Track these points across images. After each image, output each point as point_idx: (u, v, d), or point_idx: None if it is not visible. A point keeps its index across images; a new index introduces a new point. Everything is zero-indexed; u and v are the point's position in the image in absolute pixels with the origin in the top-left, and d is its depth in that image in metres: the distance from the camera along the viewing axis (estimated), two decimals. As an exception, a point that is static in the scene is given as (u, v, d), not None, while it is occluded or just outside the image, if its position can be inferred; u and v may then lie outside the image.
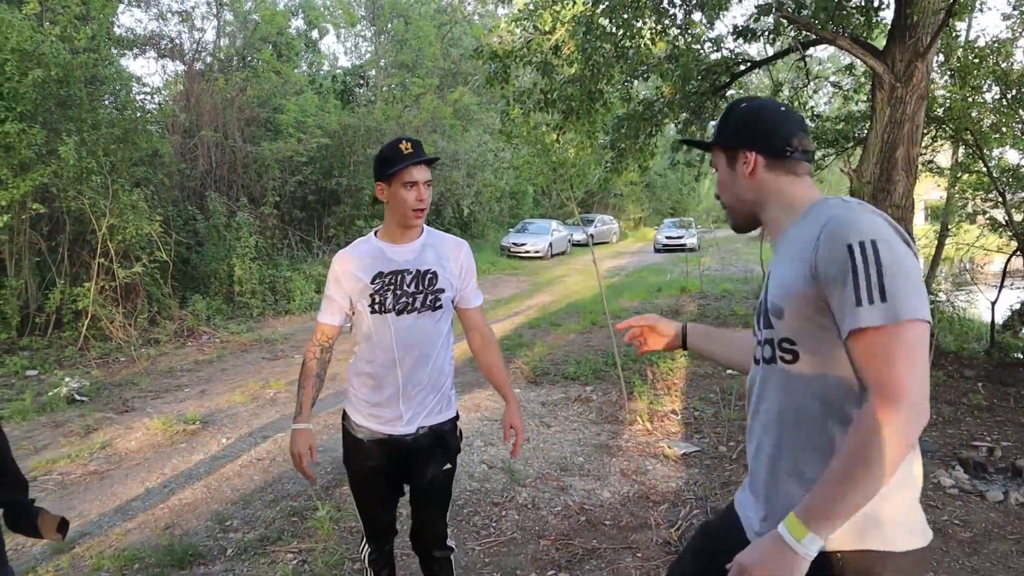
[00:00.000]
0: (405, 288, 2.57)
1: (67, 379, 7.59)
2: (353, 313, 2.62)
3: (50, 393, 7.19)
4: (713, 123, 10.88)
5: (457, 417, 2.82)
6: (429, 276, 2.60)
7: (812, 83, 12.06)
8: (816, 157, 11.70)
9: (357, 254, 2.62)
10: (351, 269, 2.59)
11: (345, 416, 2.74)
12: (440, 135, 21.32)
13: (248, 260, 12.66)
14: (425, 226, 2.69)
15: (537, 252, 23.56)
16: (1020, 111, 9.35)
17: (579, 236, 27.60)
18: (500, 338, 10.21)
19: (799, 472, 1.54)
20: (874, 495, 1.35)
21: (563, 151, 8.93)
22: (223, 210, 13.27)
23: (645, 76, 9.87)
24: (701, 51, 9.63)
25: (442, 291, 2.62)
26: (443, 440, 2.71)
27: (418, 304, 2.58)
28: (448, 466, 2.73)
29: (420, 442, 2.65)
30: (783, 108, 1.70)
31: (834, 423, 1.49)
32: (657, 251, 26.99)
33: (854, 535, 1.46)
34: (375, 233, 2.68)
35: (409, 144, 2.50)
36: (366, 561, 2.84)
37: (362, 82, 23.73)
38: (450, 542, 2.86)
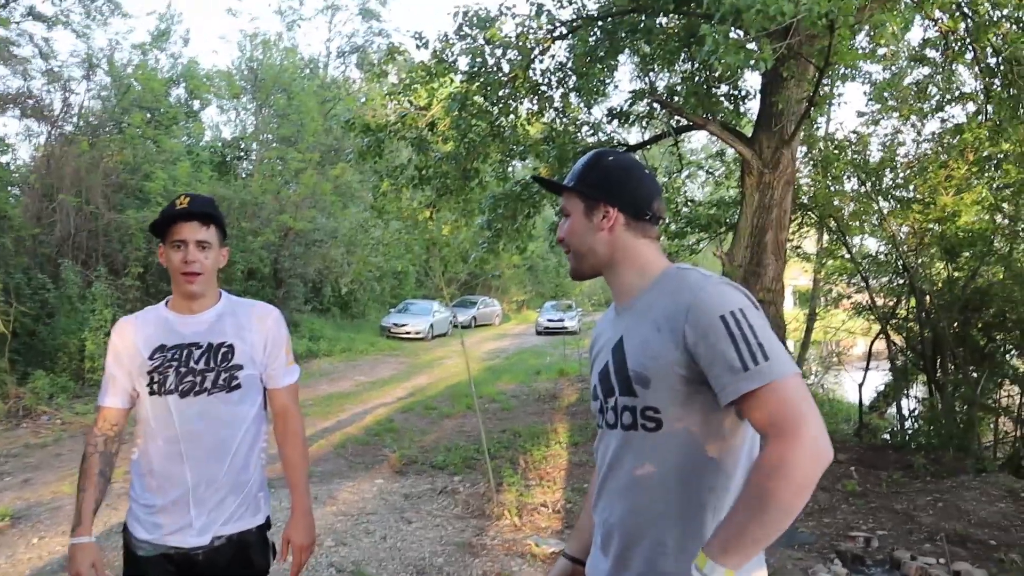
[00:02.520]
0: (192, 365, 2.13)
1: None
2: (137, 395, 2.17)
3: None
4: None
5: (268, 526, 2.32)
6: (224, 350, 2.17)
7: (686, 169, 12.32)
8: (690, 242, 11.89)
9: (139, 324, 2.19)
10: (132, 340, 2.15)
11: (125, 528, 2.22)
12: (320, 211, 20.82)
13: (103, 334, 11.65)
14: (224, 293, 2.28)
15: (418, 333, 23.06)
16: (877, 201, 9.72)
17: (464, 317, 27.30)
18: (372, 422, 9.71)
19: (656, 537, 1.53)
20: (776, 531, 1.34)
21: (436, 229, 8.65)
22: (78, 279, 12.32)
23: (523, 156, 9.79)
24: (578, 134, 9.65)
25: (239, 368, 2.18)
26: (247, 555, 2.22)
27: (208, 384, 2.14)
28: None
29: (216, 557, 2.15)
30: (647, 170, 1.71)
31: (693, 490, 1.50)
32: (539, 333, 26.95)
33: None
34: (166, 302, 2.25)
35: (186, 199, 2.10)
36: None
37: (242, 154, 23.09)
38: None
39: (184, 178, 15.92)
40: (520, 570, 4.70)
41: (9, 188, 13.41)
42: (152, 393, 2.12)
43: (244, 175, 22.22)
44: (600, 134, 9.94)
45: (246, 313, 2.26)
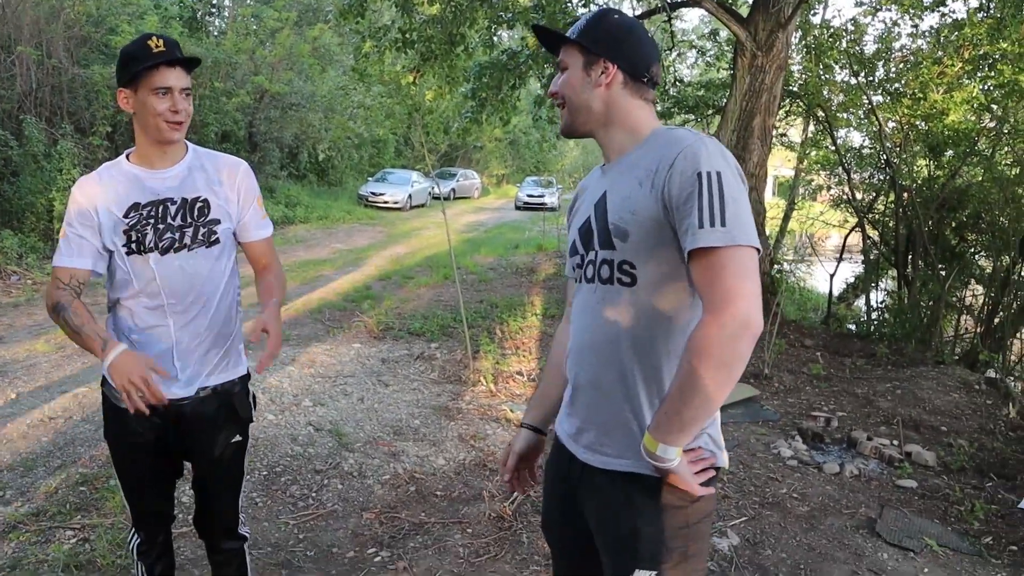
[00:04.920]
0: (169, 221, 2.08)
1: None
2: (109, 253, 2.11)
3: None
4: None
5: (248, 377, 2.36)
6: (199, 205, 2.12)
7: (676, 48, 12.03)
8: (677, 123, 11.76)
9: (104, 181, 2.10)
10: (101, 199, 2.06)
11: (104, 382, 2.20)
12: (296, 74, 20.13)
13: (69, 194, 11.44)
14: (191, 145, 2.20)
15: (396, 203, 22.86)
16: (867, 93, 9.61)
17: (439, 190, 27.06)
18: (349, 289, 9.76)
19: (622, 392, 1.58)
20: (709, 410, 1.41)
21: (419, 95, 8.44)
22: (43, 137, 11.91)
23: (510, 24, 9.48)
24: (569, 3, 9.34)
25: (217, 222, 2.14)
26: (231, 405, 2.25)
27: (187, 240, 2.10)
28: (238, 438, 2.29)
29: (201, 408, 2.18)
30: (648, 34, 1.70)
31: (661, 345, 1.54)
32: (518, 208, 26.87)
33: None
34: (127, 156, 2.15)
35: (161, 41, 1.99)
36: (134, 552, 2.33)
37: (214, 10, 22.07)
38: (243, 530, 2.43)
39: (152, 32, 15.21)
40: (495, 434, 4.86)
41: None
42: (130, 252, 2.06)
43: (216, 33, 21.30)
44: (592, 5, 9.64)
45: (214, 167, 2.19)
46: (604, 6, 9.23)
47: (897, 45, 10.14)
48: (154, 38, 1.99)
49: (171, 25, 16.98)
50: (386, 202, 22.81)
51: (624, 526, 1.57)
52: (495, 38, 9.73)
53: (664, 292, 1.52)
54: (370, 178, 25.25)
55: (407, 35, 8.60)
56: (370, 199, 22.94)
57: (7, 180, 11.44)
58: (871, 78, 9.70)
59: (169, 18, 17.62)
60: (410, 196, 23.62)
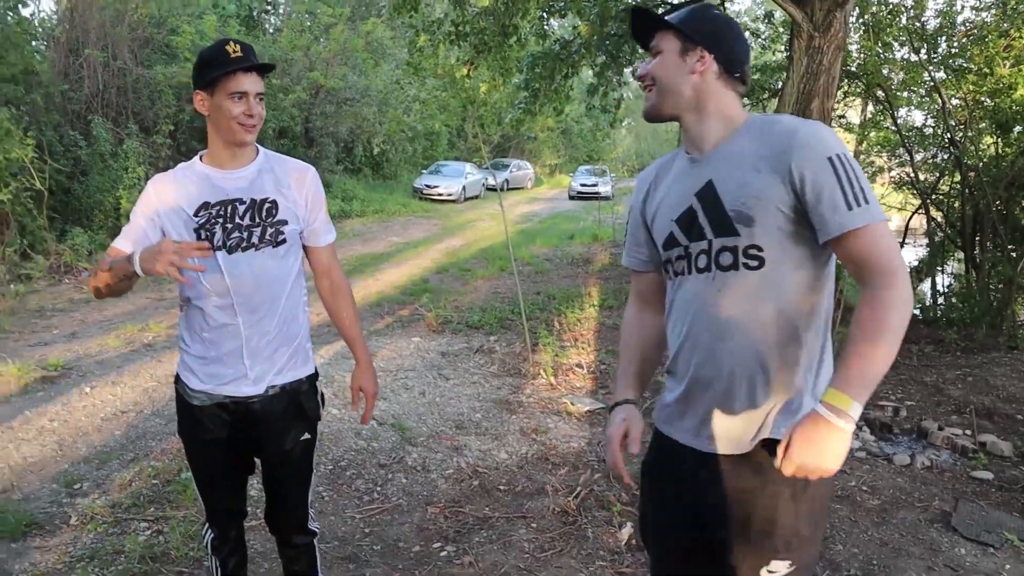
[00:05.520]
0: (238, 221, 2.12)
1: (-85, 319, 6.83)
2: None
3: None
4: (630, 69, 10.56)
5: (316, 375, 2.40)
6: (267, 206, 2.16)
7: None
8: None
9: (178, 180, 2.15)
10: (172, 198, 2.11)
11: (178, 379, 2.28)
12: (351, 68, 20.33)
13: (137, 192, 11.71)
14: (261, 148, 2.24)
15: (450, 195, 22.95)
16: (928, 70, 9.30)
17: (494, 180, 27.09)
18: (406, 282, 9.83)
19: (758, 376, 1.59)
20: (889, 363, 1.46)
21: (474, 87, 8.44)
22: (109, 137, 12.26)
23: (562, 13, 9.41)
24: (621, -11, 9.23)
25: (284, 223, 2.18)
26: (299, 403, 2.30)
27: (255, 239, 2.14)
28: (307, 436, 2.33)
29: (271, 406, 2.23)
30: (744, 36, 1.75)
31: (793, 329, 1.58)
32: (571, 198, 26.71)
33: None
34: (200, 157, 2.20)
35: (238, 47, 2.03)
36: (208, 547, 2.40)
37: (269, 7, 22.42)
38: (312, 525, 2.47)
39: (211, 32, 15.49)
40: (556, 427, 4.84)
41: (34, 43, 13.17)
42: None
43: (272, 30, 21.63)
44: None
45: (284, 170, 2.23)
46: (646, 4, 9.12)
47: (960, 19, 9.79)
48: (231, 43, 2.03)
49: (229, 24, 17.31)
50: (440, 194, 22.89)
51: (759, 516, 1.59)
52: (546, 27, 9.68)
53: (796, 271, 1.58)
54: (424, 171, 25.39)
55: (460, 28, 8.60)
56: (424, 192, 23.05)
57: (77, 179, 11.80)
58: (934, 55, 9.39)
59: (227, 17, 17.98)
60: (464, 188, 23.69)
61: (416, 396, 5.40)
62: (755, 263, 1.58)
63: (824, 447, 1.42)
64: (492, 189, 26.75)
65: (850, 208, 1.48)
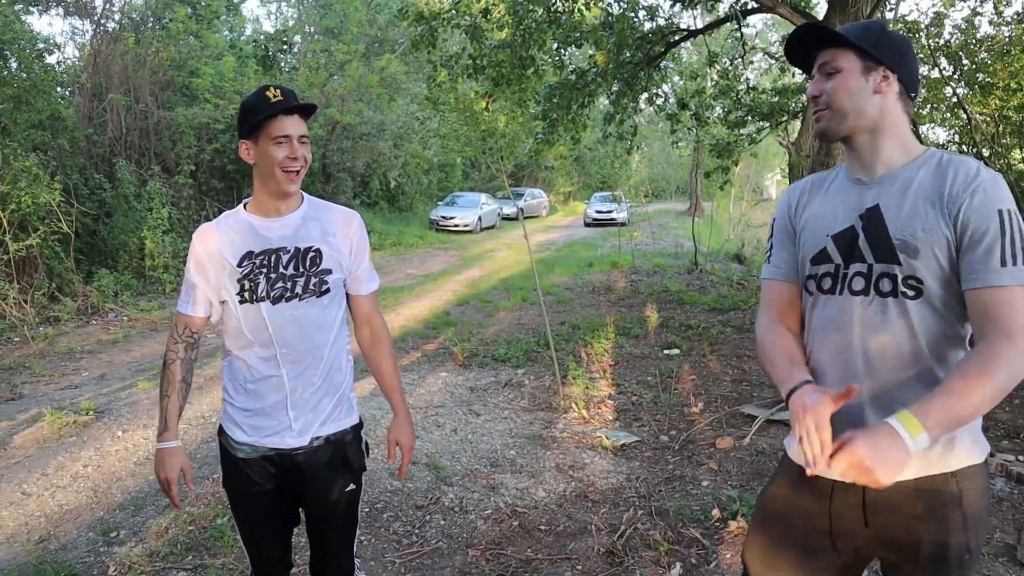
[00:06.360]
0: (282, 271, 2.10)
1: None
2: (222, 303, 2.15)
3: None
4: (646, 95, 10.56)
5: (361, 425, 2.36)
6: (311, 255, 2.13)
7: (749, 55, 11.81)
8: (750, 131, 11.53)
9: (222, 230, 2.13)
10: (217, 248, 2.10)
11: (221, 431, 2.25)
12: (366, 104, 20.55)
13: (160, 232, 11.88)
14: (306, 195, 2.22)
15: (466, 226, 23.05)
16: (951, 86, 9.25)
17: (509, 210, 27.12)
18: (428, 316, 9.79)
19: (898, 403, 1.55)
20: (978, 416, 1.49)
21: (492, 120, 8.46)
22: (133, 179, 12.43)
23: (579, 43, 9.46)
24: (636, 19, 9.27)
25: (328, 272, 2.15)
26: (344, 454, 2.25)
27: (299, 289, 2.11)
28: (352, 486, 2.28)
29: (315, 458, 2.19)
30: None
31: (938, 361, 1.59)
32: (587, 225, 26.76)
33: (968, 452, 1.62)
34: (244, 206, 2.19)
35: (278, 91, 2.01)
36: (255, 601, 2.36)
37: (285, 47, 22.70)
38: (359, 575, 2.41)
39: (230, 73, 15.74)
40: (592, 463, 4.76)
41: (59, 89, 13.39)
42: (243, 301, 2.09)
43: (288, 69, 21.90)
44: (658, 19, 9.54)
45: (329, 217, 2.20)
46: (664, 31, 9.12)
47: (979, 35, 9.73)
48: (272, 88, 2.02)
49: (247, 64, 17.54)
50: (456, 225, 22.98)
51: (930, 541, 1.60)
52: (564, 58, 9.72)
53: (947, 307, 1.58)
54: (439, 202, 25.51)
55: (478, 61, 8.65)
56: (441, 223, 23.16)
57: (102, 221, 11.96)
58: (957, 71, 9.33)
59: (244, 57, 18.20)
60: (480, 218, 23.78)
61: (448, 433, 5.33)
62: (912, 293, 1.59)
63: (885, 456, 1.41)
64: (507, 218, 26.80)
65: (1004, 264, 1.49)
